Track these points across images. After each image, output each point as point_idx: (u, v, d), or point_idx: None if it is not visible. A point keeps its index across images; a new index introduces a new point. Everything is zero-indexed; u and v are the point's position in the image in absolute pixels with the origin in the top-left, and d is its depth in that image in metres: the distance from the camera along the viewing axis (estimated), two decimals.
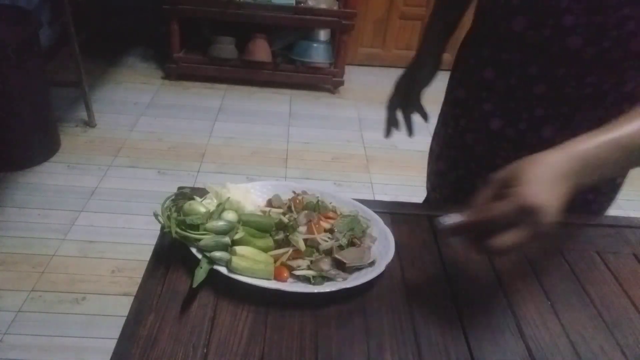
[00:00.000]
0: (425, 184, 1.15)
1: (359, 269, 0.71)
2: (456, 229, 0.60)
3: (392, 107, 1.07)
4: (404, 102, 1.07)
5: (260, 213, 0.77)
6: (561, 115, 0.83)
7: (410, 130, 1.09)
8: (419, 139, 1.12)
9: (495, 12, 0.84)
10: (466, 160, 0.97)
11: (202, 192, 0.77)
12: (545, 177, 0.57)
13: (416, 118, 1.08)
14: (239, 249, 0.68)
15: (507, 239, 0.56)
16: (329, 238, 0.72)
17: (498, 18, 0.83)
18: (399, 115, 1.07)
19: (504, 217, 0.56)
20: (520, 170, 0.58)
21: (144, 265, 0.70)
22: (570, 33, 0.76)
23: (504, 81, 0.86)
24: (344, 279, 0.68)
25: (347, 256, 0.69)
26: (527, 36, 0.80)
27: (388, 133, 1.08)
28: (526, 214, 0.55)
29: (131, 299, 0.65)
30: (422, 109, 1.08)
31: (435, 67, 1.03)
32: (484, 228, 0.58)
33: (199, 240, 0.68)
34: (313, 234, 0.71)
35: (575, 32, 0.75)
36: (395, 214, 0.83)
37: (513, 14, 0.81)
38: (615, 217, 0.93)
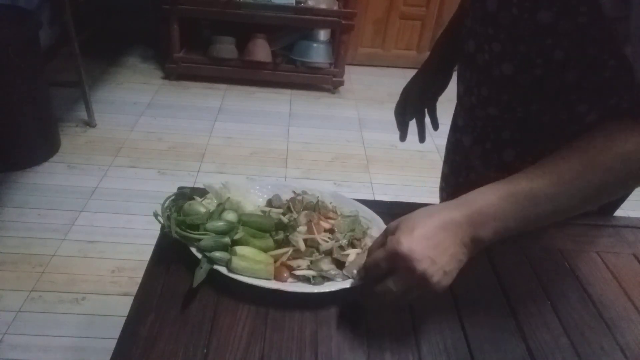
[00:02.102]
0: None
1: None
2: (362, 276, 0.66)
3: (402, 113, 1.08)
4: (416, 108, 1.08)
5: (260, 213, 0.77)
6: (523, 141, 0.82)
7: (421, 137, 1.10)
8: (416, 141, 1.12)
9: (461, 32, 0.88)
10: (467, 168, 0.97)
11: (202, 192, 0.77)
12: (422, 227, 0.58)
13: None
14: (239, 249, 0.68)
15: (385, 284, 0.59)
16: (329, 238, 0.72)
17: (463, 38, 0.87)
18: (410, 121, 1.08)
19: (380, 262, 0.60)
20: (404, 219, 0.61)
21: (144, 265, 0.70)
22: (502, 59, 0.77)
23: (468, 99, 0.89)
24: (344, 279, 0.68)
25: (354, 269, 0.69)
26: (476, 58, 0.83)
27: (403, 137, 1.10)
28: (397, 261, 0.58)
29: (131, 299, 0.65)
30: (435, 117, 1.09)
31: (449, 75, 1.04)
32: (371, 274, 0.61)
33: (199, 240, 0.68)
34: (313, 234, 0.71)
35: (505, 59, 0.77)
36: (395, 214, 0.83)
37: (466, 36, 0.85)
38: (615, 217, 0.93)
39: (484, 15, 0.79)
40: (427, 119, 1.09)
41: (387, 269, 0.59)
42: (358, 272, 0.67)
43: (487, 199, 0.60)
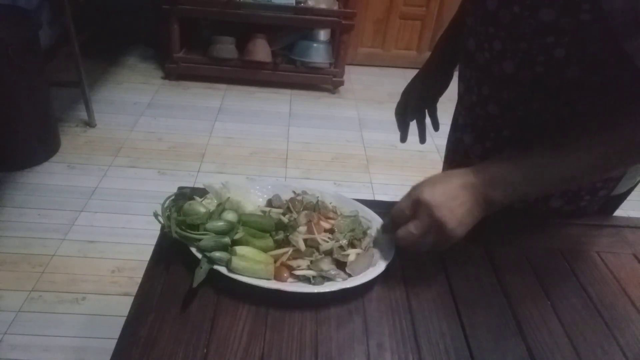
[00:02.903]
0: None
1: None
2: (386, 227, 0.75)
3: (402, 113, 1.08)
4: (417, 109, 1.08)
5: (260, 213, 0.77)
6: (524, 139, 0.82)
7: (422, 137, 1.10)
8: (416, 142, 1.12)
9: (462, 32, 0.89)
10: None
11: (202, 192, 0.77)
12: (443, 183, 0.68)
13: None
14: (239, 249, 0.68)
15: (406, 227, 0.68)
16: (329, 238, 0.72)
17: (464, 37, 0.88)
18: (410, 122, 1.08)
19: (404, 209, 0.69)
20: (428, 178, 0.70)
21: (144, 265, 0.70)
22: (502, 57, 0.78)
23: (469, 97, 0.89)
24: (344, 279, 0.68)
25: (356, 269, 0.69)
26: (476, 56, 0.83)
27: (404, 138, 1.11)
28: (419, 207, 0.67)
29: (131, 299, 0.65)
30: (436, 117, 1.09)
31: (450, 76, 1.04)
32: (396, 220, 0.70)
33: (199, 240, 0.68)
34: (313, 234, 0.71)
35: (506, 57, 0.77)
36: None
37: (467, 35, 0.86)
38: (615, 217, 0.93)
39: (484, 14, 0.79)
40: (428, 120, 1.09)
41: (410, 215, 0.68)
42: (383, 223, 0.76)
43: (501, 165, 0.69)
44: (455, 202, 0.66)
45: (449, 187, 0.67)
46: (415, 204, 0.68)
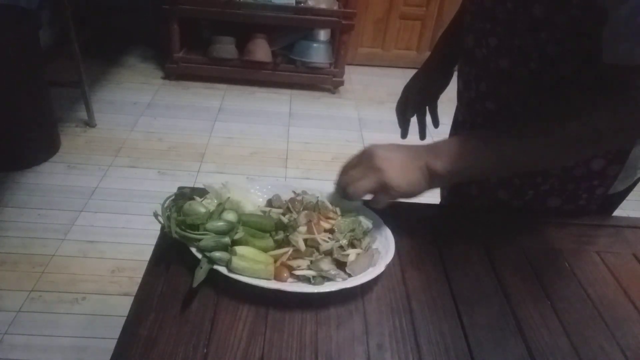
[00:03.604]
0: None
1: None
2: (338, 185, 0.76)
3: (403, 110, 1.09)
4: (417, 106, 1.09)
5: (260, 213, 0.77)
6: None
7: (422, 134, 1.10)
8: (417, 139, 1.12)
9: (462, 29, 0.90)
10: None
11: (202, 192, 0.77)
12: (392, 145, 0.72)
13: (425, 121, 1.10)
14: (239, 249, 0.67)
15: (349, 172, 0.72)
16: (329, 238, 0.72)
17: (463, 34, 0.89)
18: (411, 118, 1.09)
19: (352, 159, 0.74)
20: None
21: (144, 265, 0.70)
22: (499, 54, 0.79)
23: (467, 94, 0.90)
24: (344, 279, 0.68)
25: (356, 269, 0.69)
26: (475, 53, 0.84)
27: (404, 135, 1.11)
28: (364, 155, 0.71)
29: (131, 299, 0.65)
30: (437, 114, 1.10)
31: (450, 74, 1.05)
32: (344, 169, 0.75)
33: (199, 240, 0.68)
34: (313, 234, 0.71)
35: (502, 53, 0.78)
36: (395, 214, 0.83)
37: (466, 31, 0.87)
38: (615, 217, 0.93)
39: (482, 10, 0.80)
40: (428, 117, 1.10)
41: (356, 163, 0.73)
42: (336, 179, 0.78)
43: (448, 140, 0.72)
44: (397, 160, 0.70)
45: (398, 149, 0.71)
46: (362, 153, 0.72)
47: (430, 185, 0.71)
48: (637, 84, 0.63)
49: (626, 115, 0.65)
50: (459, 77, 0.93)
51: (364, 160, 0.71)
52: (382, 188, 0.70)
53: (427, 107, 1.10)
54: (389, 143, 0.73)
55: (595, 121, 0.65)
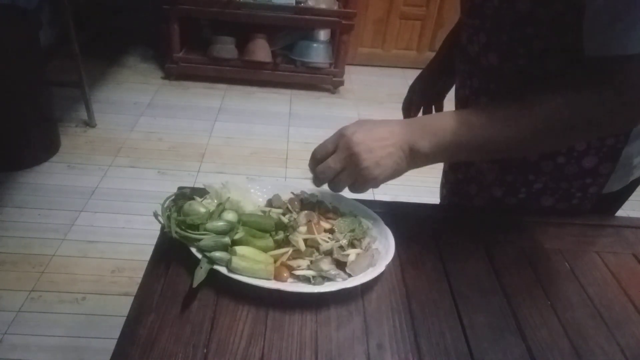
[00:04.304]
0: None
1: None
2: (314, 176, 0.73)
3: (407, 108, 1.10)
4: (420, 105, 1.10)
5: (260, 213, 0.77)
6: None
7: None
8: None
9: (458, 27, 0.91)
10: (466, 164, 0.97)
11: (202, 192, 0.77)
12: (371, 125, 0.68)
13: None
14: (239, 249, 0.67)
15: (326, 162, 0.69)
16: (329, 238, 0.72)
17: (459, 32, 0.90)
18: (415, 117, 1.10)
19: (327, 144, 0.70)
20: (360, 119, 0.71)
21: (144, 265, 0.70)
22: (488, 49, 0.79)
23: (463, 91, 0.91)
24: (344, 279, 0.68)
25: (356, 269, 0.69)
26: (468, 50, 0.85)
27: None
28: (340, 140, 0.68)
29: (131, 299, 0.65)
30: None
31: (453, 75, 1.05)
32: (318, 154, 0.71)
33: (199, 240, 0.68)
34: (313, 234, 0.71)
35: (491, 49, 0.79)
36: (395, 214, 0.83)
37: (461, 30, 0.88)
38: (615, 217, 0.93)
39: (472, 7, 0.81)
40: None
41: (332, 150, 0.69)
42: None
43: (431, 118, 0.71)
44: (377, 143, 0.66)
45: (376, 129, 0.68)
46: (338, 136, 0.68)
47: (409, 166, 0.70)
48: (616, 75, 0.63)
49: (601, 106, 0.64)
50: (455, 74, 0.95)
51: (341, 145, 0.68)
52: (362, 179, 0.68)
53: (432, 107, 1.10)
54: (369, 121, 0.70)
55: (570, 109, 0.65)
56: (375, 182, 0.69)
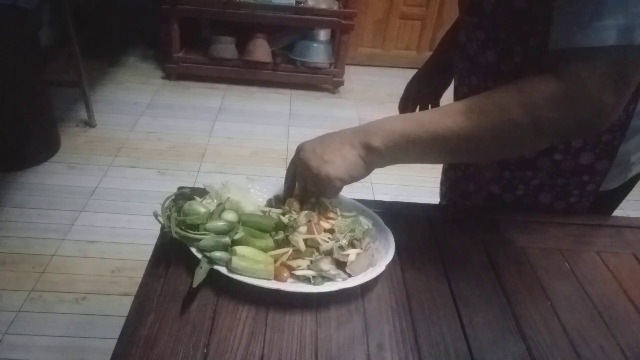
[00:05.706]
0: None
1: None
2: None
3: (404, 107, 1.11)
4: (417, 104, 1.10)
5: (260, 213, 0.77)
6: None
7: None
8: None
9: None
10: (465, 164, 0.97)
11: (202, 192, 0.77)
12: (321, 136, 0.72)
13: None
14: (239, 249, 0.67)
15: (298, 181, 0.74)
16: (329, 238, 0.72)
17: (458, 31, 0.90)
18: None
19: (290, 169, 0.76)
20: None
21: (144, 265, 0.70)
22: (486, 47, 0.80)
23: (461, 89, 0.91)
24: (344, 279, 0.68)
25: (356, 269, 0.69)
26: (467, 48, 0.86)
27: None
28: (299, 161, 0.71)
29: (131, 299, 0.65)
30: None
31: (450, 73, 1.06)
32: (287, 173, 0.77)
33: (199, 240, 0.68)
34: (313, 234, 0.71)
35: (488, 47, 0.79)
36: (395, 214, 0.83)
37: (460, 28, 0.89)
38: (615, 217, 0.93)
39: (470, 5, 0.82)
40: None
41: (292, 170, 0.75)
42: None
43: (390, 117, 0.71)
44: (323, 146, 0.70)
45: (329, 137, 0.71)
46: (294, 157, 0.74)
47: (369, 165, 0.70)
48: (566, 67, 0.61)
49: (549, 101, 0.62)
50: (454, 73, 0.95)
51: (298, 164, 0.72)
52: (319, 182, 0.70)
53: (429, 106, 1.10)
54: (318, 136, 0.73)
55: (520, 107, 0.62)
56: (331, 181, 0.69)
